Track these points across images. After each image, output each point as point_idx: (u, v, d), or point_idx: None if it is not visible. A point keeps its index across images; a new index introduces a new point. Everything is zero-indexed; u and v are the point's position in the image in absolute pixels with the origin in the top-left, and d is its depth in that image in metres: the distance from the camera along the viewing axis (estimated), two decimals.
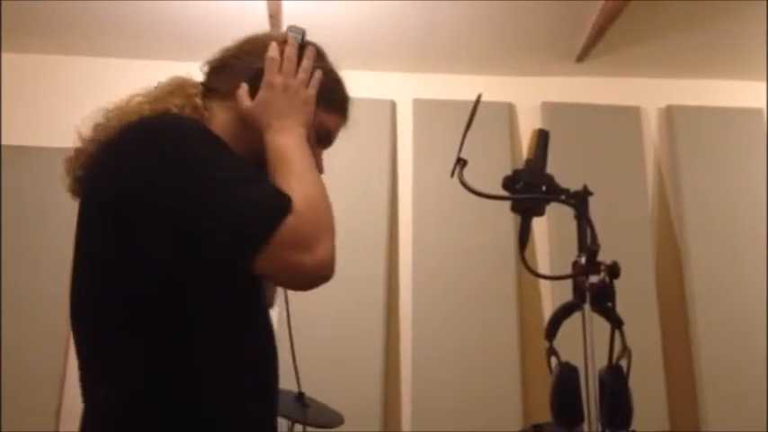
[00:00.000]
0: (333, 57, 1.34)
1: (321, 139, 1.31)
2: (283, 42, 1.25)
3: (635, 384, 1.24)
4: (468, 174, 1.29)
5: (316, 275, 1.10)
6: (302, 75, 1.24)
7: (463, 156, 1.30)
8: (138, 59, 3.62)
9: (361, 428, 2.99)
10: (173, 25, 3.39)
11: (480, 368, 3.34)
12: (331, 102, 1.30)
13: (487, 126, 3.47)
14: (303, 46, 1.27)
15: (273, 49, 1.24)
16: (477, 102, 1.32)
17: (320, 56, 1.30)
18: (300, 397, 2.67)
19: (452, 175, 1.30)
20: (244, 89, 1.23)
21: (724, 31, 3.44)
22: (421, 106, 3.73)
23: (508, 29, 3.47)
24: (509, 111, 3.76)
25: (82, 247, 1.16)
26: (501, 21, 3.39)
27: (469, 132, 1.30)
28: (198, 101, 1.24)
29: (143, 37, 3.51)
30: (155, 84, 1.27)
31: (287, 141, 1.18)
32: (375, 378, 3.31)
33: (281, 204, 1.07)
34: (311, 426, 2.65)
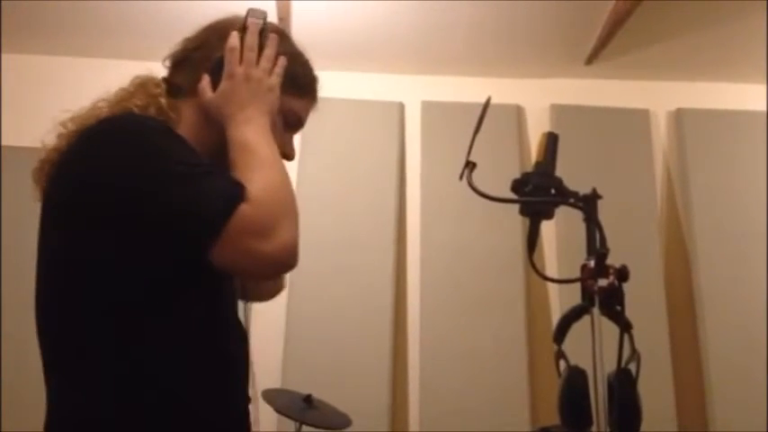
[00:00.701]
0: (297, 40, 1.31)
1: (291, 124, 1.29)
2: (244, 29, 1.23)
3: (643, 388, 1.24)
4: (476, 176, 1.29)
5: (276, 262, 1.08)
6: (265, 63, 1.22)
7: (471, 158, 1.30)
8: (141, 61, 3.60)
9: (368, 430, 2.99)
10: (178, 26, 3.38)
11: (488, 371, 3.33)
12: (298, 86, 1.27)
13: (496, 128, 3.46)
14: (264, 31, 1.23)
15: (234, 39, 1.21)
16: (487, 105, 1.32)
17: (284, 39, 1.28)
18: (308, 398, 2.67)
19: (461, 177, 1.30)
20: (205, 81, 1.21)
21: (734, 33, 3.42)
22: (429, 108, 3.72)
23: (517, 31, 3.47)
24: (518, 113, 3.76)
25: (44, 251, 1.16)
26: (510, 23, 3.39)
27: (478, 135, 1.30)
28: (162, 101, 1.22)
29: (147, 38, 3.50)
30: (118, 86, 1.26)
31: (248, 132, 1.16)
32: (383, 380, 3.31)
33: (233, 193, 1.05)
34: (318, 427, 2.66)
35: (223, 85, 1.20)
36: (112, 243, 1.08)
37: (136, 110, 1.20)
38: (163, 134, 1.13)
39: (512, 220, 3.06)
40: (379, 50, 3.56)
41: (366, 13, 3.29)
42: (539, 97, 3.78)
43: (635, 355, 1.23)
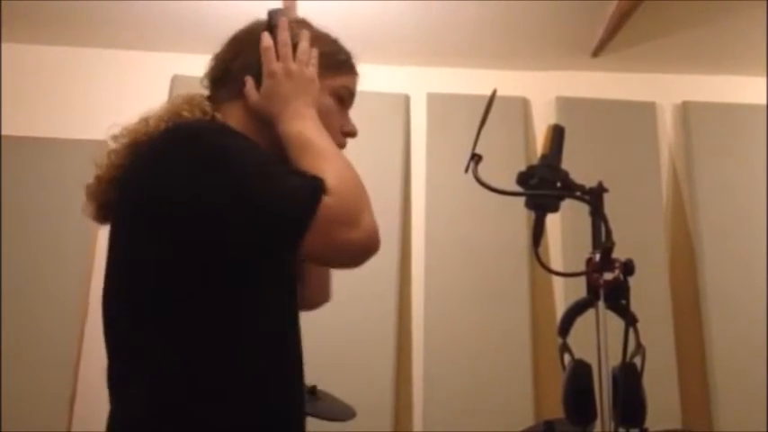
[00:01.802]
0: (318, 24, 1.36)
1: (344, 100, 1.33)
2: (272, 28, 1.26)
3: (648, 382, 1.24)
4: (481, 169, 1.29)
5: (364, 248, 1.12)
6: (301, 56, 1.25)
7: (476, 151, 1.30)
8: (139, 51, 3.62)
9: (372, 422, 2.99)
10: (175, 16, 3.37)
11: (492, 364, 3.33)
12: (337, 64, 1.31)
13: (501, 121, 3.45)
14: (273, 27, 1.27)
15: (267, 38, 1.24)
16: (492, 97, 1.32)
17: (306, 27, 1.31)
18: (313, 390, 2.68)
19: (467, 170, 1.29)
20: (250, 83, 1.24)
21: (742, 26, 3.40)
22: (435, 100, 3.71)
23: (523, 23, 3.45)
24: (523, 105, 3.74)
25: (118, 255, 1.19)
26: (516, 15, 3.37)
27: (483, 127, 1.30)
28: (206, 105, 1.25)
29: (145, 28, 3.50)
30: (159, 103, 1.29)
31: (302, 126, 1.19)
32: (386, 372, 3.31)
33: (316, 186, 1.08)
34: (323, 419, 2.66)
35: (265, 84, 1.23)
36: (195, 247, 1.11)
37: (187, 115, 1.22)
38: (230, 135, 1.16)
39: (517, 212, 3.05)
40: (384, 42, 3.55)
41: (372, 5, 3.28)
42: (545, 90, 3.77)
43: (640, 348, 1.23)
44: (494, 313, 3.39)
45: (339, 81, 1.31)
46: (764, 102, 3.70)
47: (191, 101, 1.26)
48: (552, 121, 3.52)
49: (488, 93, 1.33)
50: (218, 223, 1.09)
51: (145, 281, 1.14)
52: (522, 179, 1.30)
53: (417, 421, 3.32)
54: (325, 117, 1.24)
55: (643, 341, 1.23)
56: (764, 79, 3.76)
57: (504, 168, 1.30)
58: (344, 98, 1.32)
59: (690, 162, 3.65)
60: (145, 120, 1.24)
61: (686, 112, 3.74)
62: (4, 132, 3.43)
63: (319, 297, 1.50)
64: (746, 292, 3.45)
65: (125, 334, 1.17)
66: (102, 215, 1.24)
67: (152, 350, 1.13)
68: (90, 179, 1.25)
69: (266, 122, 1.22)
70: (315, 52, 1.26)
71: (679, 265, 3.58)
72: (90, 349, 3.23)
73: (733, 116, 3.73)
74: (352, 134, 1.34)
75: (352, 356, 3.29)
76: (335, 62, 1.31)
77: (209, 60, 1.32)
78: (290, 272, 1.23)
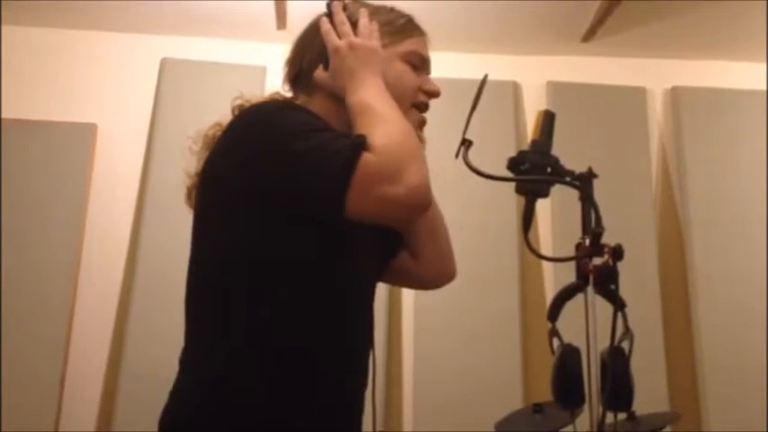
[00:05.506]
0: None
1: (417, 65, 1.35)
2: (330, 15, 1.29)
3: (636, 366, 1.25)
4: (471, 154, 1.29)
5: (411, 204, 1.11)
6: (362, 29, 1.27)
7: (467, 135, 1.30)
8: (139, 34, 3.60)
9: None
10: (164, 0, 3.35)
11: (481, 348, 3.35)
12: (399, 30, 1.34)
13: (492, 105, 3.44)
14: (346, 8, 1.31)
15: (325, 23, 1.28)
16: (484, 82, 1.32)
17: (361, 3, 1.35)
18: None
19: (457, 155, 1.29)
20: (319, 70, 1.28)
21: (733, 11, 3.40)
22: None
23: (514, 7, 3.43)
24: (514, 90, 3.74)
25: (202, 226, 1.23)
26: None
27: (474, 112, 1.30)
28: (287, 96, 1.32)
29: (145, 11, 3.48)
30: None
31: (364, 94, 1.20)
32: (377, 356, 3.32)
33: (355, 144, 1.09)
34: None
35: (332, 62, 1.26)
36: (256, 214, 1.15)
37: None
38: (288, 108, 1.20)
39: (507, 198, 3.06)
40: None
41: None
42: (535, 74, 3.77)
43: (628, 333, 1.24)
44: (484, 298, 3.41)
45: (406, 45, 1.34)
46: (753, 87, 3.72)
47: (269, 97, 1.33)
48: (543, 105, 3.53)
49: (479, 77, 1.33)
50: (269, 189, 1.12)
51: (213, 254, 1.19)
52: (513, 164, 1.30)
53: (407, 404, 3.34)
54: (398, 82, 1.29)
55: (631, 326, 1.24)
56: (754, 64, 3.77)
57: (495, 153, 1.31)
58: (416, 63, 1.35)
59: (679, 147, 3.67)
60: (218, 123, 1.29)
61: (676, 96, 3.75)
62: (4, 115, 3.41)
63: (439, 274, 1.51)
64: (735, 276, 3.48)
65: (197, 307, 1.21)
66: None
67: (207, 319, 1.18)
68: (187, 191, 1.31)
69: (342, 102, 1.24)
70: (375, 25, 1.29)
71: (668, 250, 3.60)
72: (79, 331, 3.22)
73: (722, 101, 3.74)
74: (434, 93, 1.37)
75: None
76: (397, 28, 1.34)
77: (283, 67, 1.37)
78: (347, 268, 1.25)
